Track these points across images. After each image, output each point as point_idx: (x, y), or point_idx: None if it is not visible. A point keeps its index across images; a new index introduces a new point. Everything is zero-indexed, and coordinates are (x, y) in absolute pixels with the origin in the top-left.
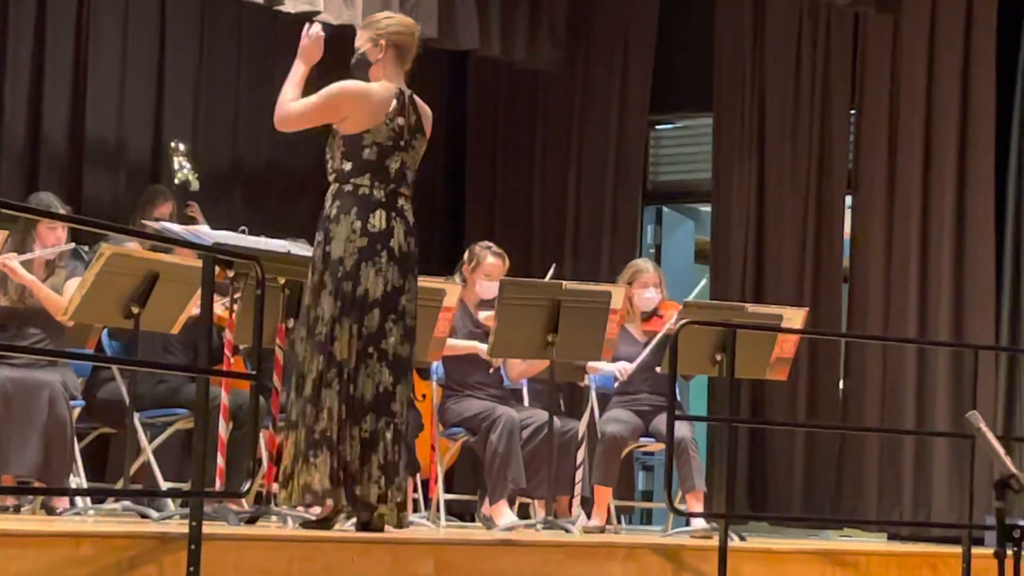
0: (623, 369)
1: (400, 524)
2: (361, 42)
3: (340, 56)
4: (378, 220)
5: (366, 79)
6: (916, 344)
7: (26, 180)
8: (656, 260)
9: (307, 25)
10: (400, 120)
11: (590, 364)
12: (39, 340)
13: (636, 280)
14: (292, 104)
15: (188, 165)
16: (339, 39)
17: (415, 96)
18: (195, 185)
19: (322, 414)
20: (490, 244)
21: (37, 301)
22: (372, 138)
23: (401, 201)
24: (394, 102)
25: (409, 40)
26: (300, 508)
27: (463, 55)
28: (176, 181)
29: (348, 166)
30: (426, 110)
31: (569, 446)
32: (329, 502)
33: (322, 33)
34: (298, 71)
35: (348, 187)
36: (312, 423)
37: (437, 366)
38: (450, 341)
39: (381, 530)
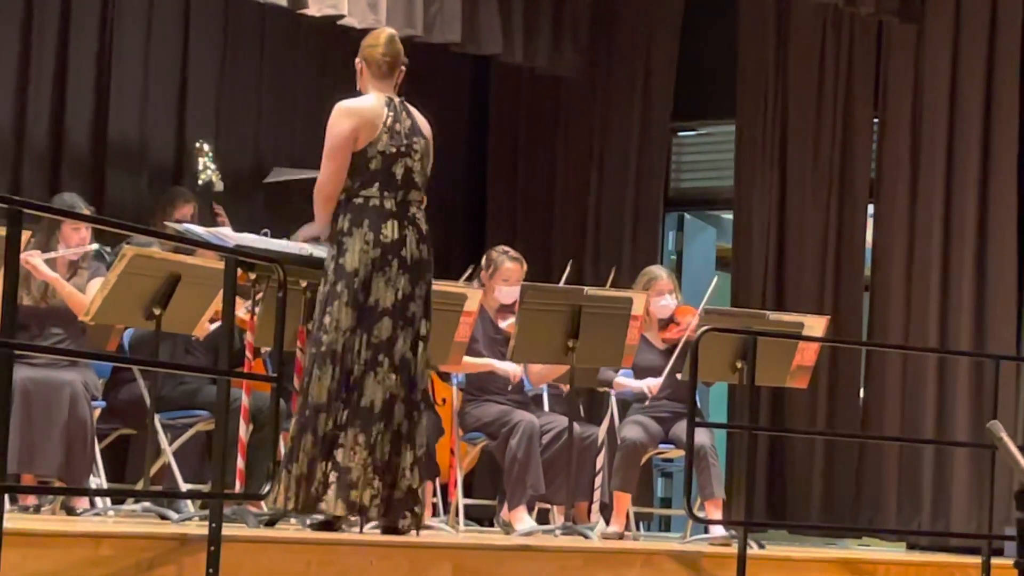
0: (652, 387)
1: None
2: None
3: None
4: (390, 231)
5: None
6: (937, 353)
7: (49, 181)
8: (677, 267)
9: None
10: (397, 126)
11: (617, 380)
12: (60, 340)
13: (652, 287)
14: (318, 181)
15: (213, 166)
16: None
17: (407, 103)
18: (219, 186)
19: (328, 421)
20: (507, 249)
21: (59, 301)
22: (375, 149)
23: (413, 209)
24: (385, 110)
25: (375, 52)
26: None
27: (485, 60)
28: (200, 182)
29: (356, 182)
30: (419, 116)
31: (588, 452)
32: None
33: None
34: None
35: (358, 200)
36: (325, 430)
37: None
38: (467, 359)
39: (405, 533)
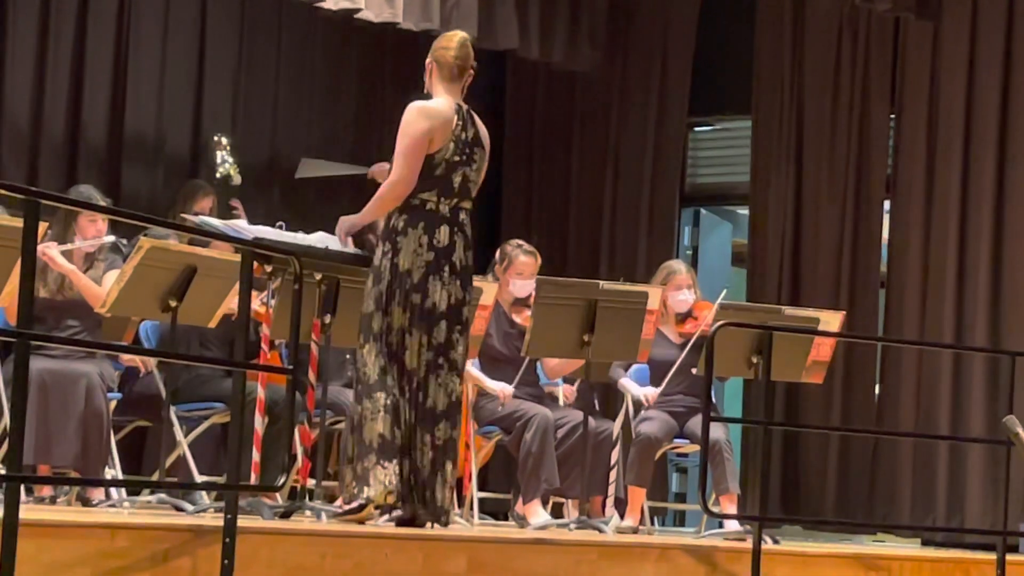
0: (649, 397)
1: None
2: None
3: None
4: (443, 236)
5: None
6: (952, 349)
7: (65, 174)
8: (693, 262)
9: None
10: (463, 135)
11: (621, 382)
12: (77, 332)
13: (670, 282)
14: (390, 178)
15: (231, 159)
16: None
17: (472, 111)
18: (237, 180)
19: (398, 421)
20: (521, 242)
21: (76, 293)
22: (442, 155)
23: (463, 216)
24: (455, 117)
25: (447, 55)
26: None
27: (502, 55)
28: (218, 175)
29: (417, 184)
30: (482, 125)
31: (603, 446)
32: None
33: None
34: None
35: (415, 201)
36: (388, 430)
37: (473, 363)
38: (475, 373)
39: (422, 526)
